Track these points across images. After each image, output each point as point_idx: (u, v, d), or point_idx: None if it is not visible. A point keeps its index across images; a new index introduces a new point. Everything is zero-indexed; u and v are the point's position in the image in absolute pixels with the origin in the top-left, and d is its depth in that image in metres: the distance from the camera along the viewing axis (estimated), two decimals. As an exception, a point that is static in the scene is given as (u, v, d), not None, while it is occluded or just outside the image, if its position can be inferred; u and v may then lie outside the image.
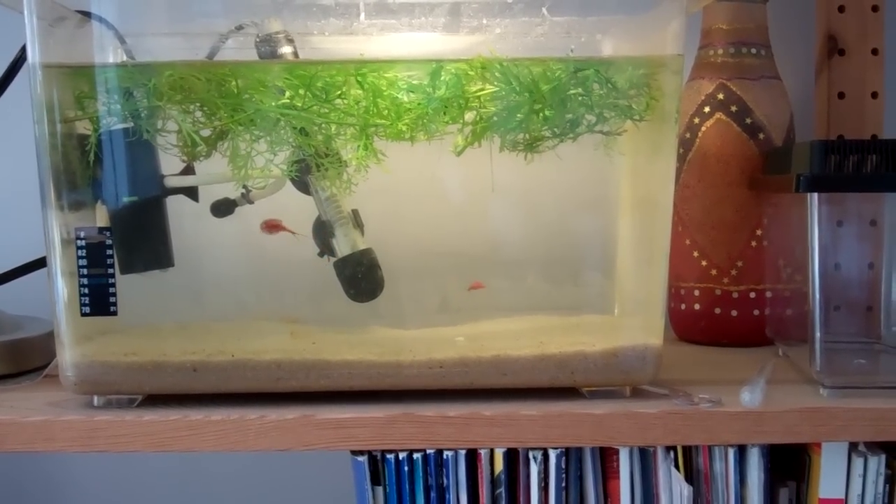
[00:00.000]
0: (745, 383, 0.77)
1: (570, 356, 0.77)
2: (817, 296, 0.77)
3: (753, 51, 1.00)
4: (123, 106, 0.77)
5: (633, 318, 0.79)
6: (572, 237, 0.82)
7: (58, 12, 0.76)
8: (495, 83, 0.76)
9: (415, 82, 0.76)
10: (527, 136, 0.78)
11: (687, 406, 0.74)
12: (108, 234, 0.76)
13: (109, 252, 0.76)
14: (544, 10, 0.76)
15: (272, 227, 0.81)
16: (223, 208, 0.82)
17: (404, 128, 0.76)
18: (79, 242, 0.76)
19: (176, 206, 0.80)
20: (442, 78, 0.76)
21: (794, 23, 1.13)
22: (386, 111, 0.76)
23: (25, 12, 0.73)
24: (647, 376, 0.77)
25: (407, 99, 0.76)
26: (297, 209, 0.82)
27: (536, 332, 0.79)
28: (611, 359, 0.77)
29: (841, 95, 1.09)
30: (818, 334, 0.78)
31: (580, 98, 0.77)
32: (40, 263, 0.91)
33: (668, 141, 0.78)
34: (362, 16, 0.76)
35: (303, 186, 0.81)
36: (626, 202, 0.81)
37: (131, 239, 0.79)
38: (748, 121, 0.98)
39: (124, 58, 0.80)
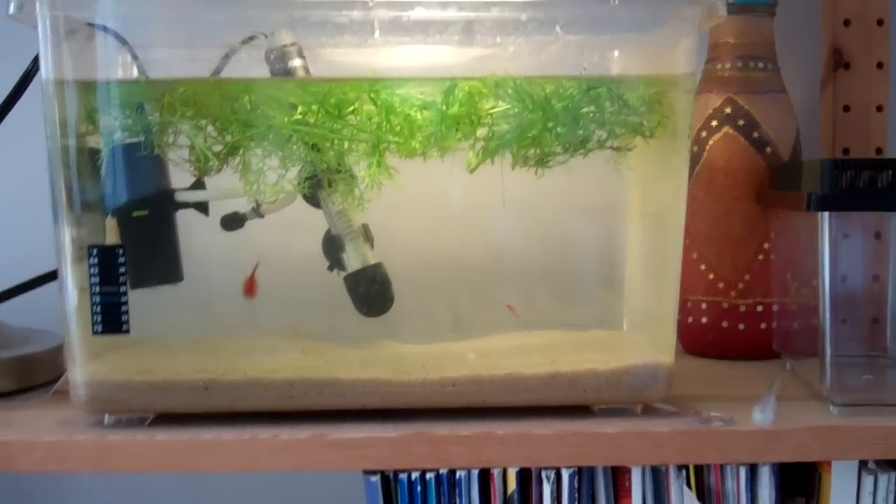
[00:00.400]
0: (756, 400, 0.77)
1: (582, 374, 0.77)
2: (827, 314, 0.78)
3: (760, 65, 1.00)
4: (135, 120, 0.76)
5: (645, 336, 0.79)
6: (583, 252, 0.82)
7: (69, 25, 0.75)
8: (509, 101, 0.75)
9: (428, 99, 0.76)
10: (538, 151, 0.78)
11: (699, 425, 0.74)
12: (121, 251, 0.76)
13: (122, 269, 0.76)
14: (558, 28, 0.75)
15: (249, 287, 0.81)
16: (233, 222, 0.82)
17: (417, 145, 0.76)
18: (91, 259, 0.75)
19: (184, 220, 0.80)
20: (455, 95, 0.76)
21: (798, 36, 1.13)
22: (399, 128, 0.76)
23: (39, 27, 0.73)
24: (659, 394, 0.77)
25: (420, 116, 0.76)
26: (307, 222, 0.82)
27: (548, 349, 0.79)
28: (622, 377, 0.77)
29: (846, 109, 1.09)
30: (828, 352, 0.78)
31: (592, 115, 0.77)
32: (50, 277, 0.91)
33: (680, 157, 0.78)
34: (377, 33, 0.75)
35: (313, 201, 0.81)
36: (637, 218, 0.81)
37: (141, 253, 0.78)
38: (755, 135, 0.98)
39: (135, 71, 0.80)
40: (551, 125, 0.76)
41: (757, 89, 1.00)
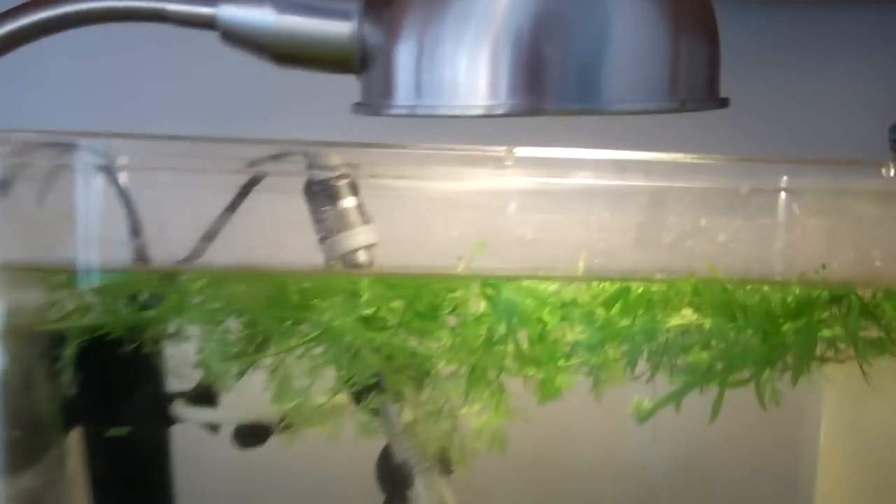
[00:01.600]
0: None
1: None
2: None
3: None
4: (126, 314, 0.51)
5: None
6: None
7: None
8: (712, 313, 0.48)
9: (578, 305, 0.49)
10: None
11: None
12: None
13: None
14: (795, 207, 0.48)
15: None
16: (252, 437, 0.55)
17: (565, 382, 0.49)
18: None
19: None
20: (627, 303, 0.48)
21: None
22: (537, 351, 0.49)
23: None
24: None
25: (570, 334, 0.48)
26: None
27: None
28: None
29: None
30: None
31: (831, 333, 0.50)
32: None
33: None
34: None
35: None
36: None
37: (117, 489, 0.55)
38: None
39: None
40: (775, 352, 0.49)
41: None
